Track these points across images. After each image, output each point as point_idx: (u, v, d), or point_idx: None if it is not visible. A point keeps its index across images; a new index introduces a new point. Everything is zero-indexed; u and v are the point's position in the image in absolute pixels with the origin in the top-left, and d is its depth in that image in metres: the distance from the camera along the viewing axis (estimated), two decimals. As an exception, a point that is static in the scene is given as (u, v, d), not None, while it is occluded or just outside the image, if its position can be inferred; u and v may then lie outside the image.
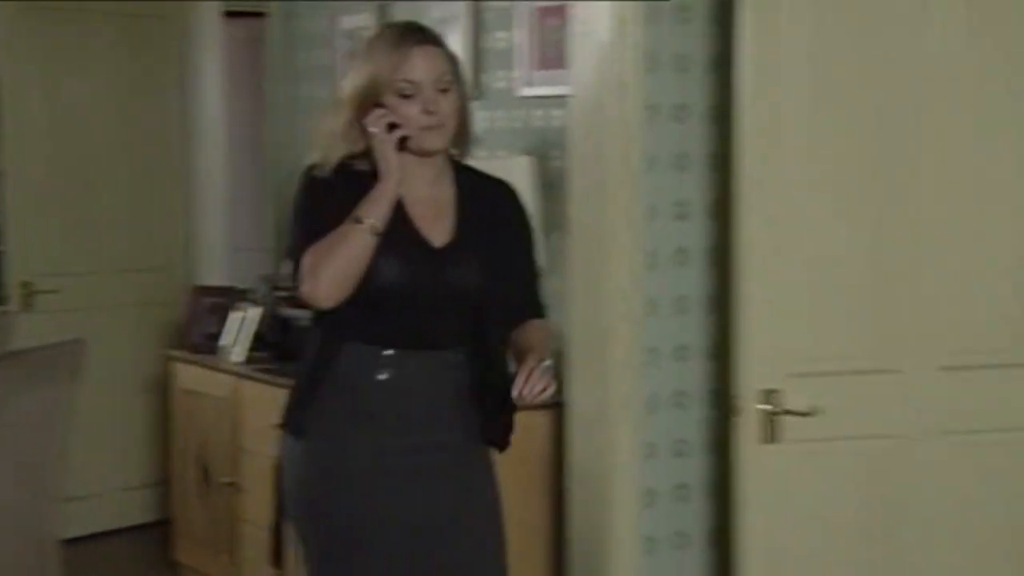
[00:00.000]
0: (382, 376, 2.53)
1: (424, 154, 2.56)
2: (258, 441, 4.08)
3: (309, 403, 2.56)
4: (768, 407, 2.86)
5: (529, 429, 3.36)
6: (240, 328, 4.43)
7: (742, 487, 2.91)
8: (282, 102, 4.98)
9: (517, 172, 3.51)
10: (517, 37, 3.84)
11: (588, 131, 3.24)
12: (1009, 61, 2.98)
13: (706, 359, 3.37)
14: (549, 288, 3.65)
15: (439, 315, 2.55)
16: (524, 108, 3.85)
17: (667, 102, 3.23)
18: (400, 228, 2.53)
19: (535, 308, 2.65)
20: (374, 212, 2.50)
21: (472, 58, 4.01)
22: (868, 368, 2.96)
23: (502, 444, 2.62)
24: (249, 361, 4.34)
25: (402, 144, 2.53)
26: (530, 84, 3.80)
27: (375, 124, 2.51)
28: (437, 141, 2.55)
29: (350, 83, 2.56)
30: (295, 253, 2.52)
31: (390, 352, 2.54)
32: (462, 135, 2.59)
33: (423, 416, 2.55)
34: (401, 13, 4.36)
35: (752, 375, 2.87)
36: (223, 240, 5.43)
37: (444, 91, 2.53)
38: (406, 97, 2.51)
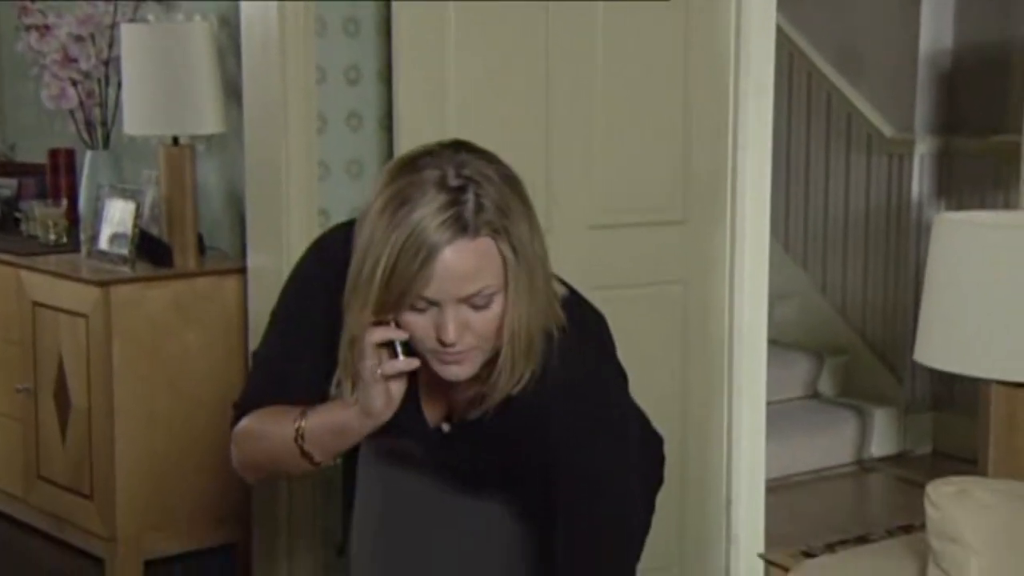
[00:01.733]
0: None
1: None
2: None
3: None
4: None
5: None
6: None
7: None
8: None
9: (196, 37, 3.48)
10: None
11: (259, 46, 3.21)
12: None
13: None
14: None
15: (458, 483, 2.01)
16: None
17: (337, 16, 3.22)
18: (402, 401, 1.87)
19: None
20: (329, 452, 1.87)
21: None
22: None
23: None
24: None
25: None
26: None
27: (366, 339, 1.77)
28: (460, 372, 1.80)
29: (359, 260, 1.77)
30: (246, 387, 2.00)
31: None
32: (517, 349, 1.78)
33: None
34: None
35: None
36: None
37: (481, 307, 1.76)
38: (418, 311, 1.76)
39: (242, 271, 3.45)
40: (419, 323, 1.75)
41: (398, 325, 1.77)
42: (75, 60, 3.82)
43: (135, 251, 3.50)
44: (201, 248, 3.61)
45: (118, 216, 3.57)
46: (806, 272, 5.33)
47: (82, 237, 3.71)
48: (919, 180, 4.95)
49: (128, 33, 3.54)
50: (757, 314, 3.42)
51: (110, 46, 3.83)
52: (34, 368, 3.64)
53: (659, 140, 3.21)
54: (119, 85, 3.78)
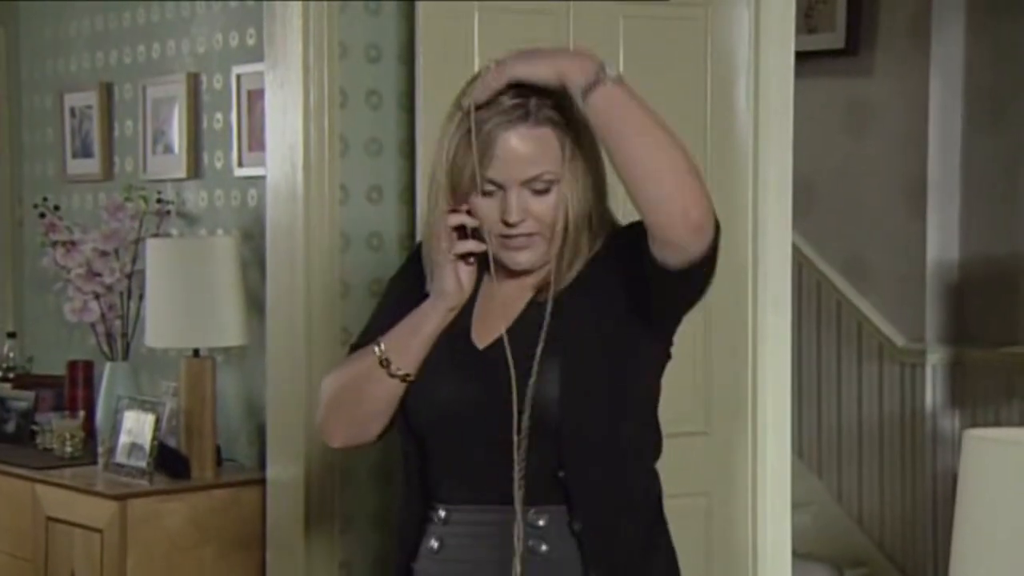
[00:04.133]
0: (433, 543, 1.95)
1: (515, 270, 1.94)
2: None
3: None
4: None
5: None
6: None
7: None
8: (9, 180, 4.91)
9: (220, 251, 3.56)
10: (232, 118, 3.91)
11: (282, 210, 3.30)
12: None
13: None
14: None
15: (497, 447, 1.85)
16: (239, 187, 3.91)
17: (361, 184, 3.32)
18: (452, 325, 1.95)
19: None
20: (406, 353, 1.90)
21: (191, 138, 4.06)
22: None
23: None
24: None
25: (471, 256, 1.93)
26: (243, 164, 3.86)
27: (439, 224, 1.89)
28: (524, 259, 1.92)
29: (433, 162, 1.93)
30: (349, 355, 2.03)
31: (442, 512, 1.94)
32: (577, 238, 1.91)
33: None
34: (125, 92, 4.38)
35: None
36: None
37: (542, 191, 1.88)
38: (487, 194, 1.89)
39: (261, 483, 3.43)
40: (487, 207, 1.88)
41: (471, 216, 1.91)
42: (99, 274, 3.88)
43: (153, 463, 3.49)
44: (218, 460, 3.60)
45: (136, 428, 3.57)
46: (821, 480, 5.29)
47: (99, 449, 3.70)
48: (932, 390, 4.96)
49: (153, 248, 3.60)
50: (780, 526, 3.39)
51: (134, 260, 3.90)
52: (45, 584, 3.58)
53: (681, 354, 3.22)
54: (141, 297, 3.83)
